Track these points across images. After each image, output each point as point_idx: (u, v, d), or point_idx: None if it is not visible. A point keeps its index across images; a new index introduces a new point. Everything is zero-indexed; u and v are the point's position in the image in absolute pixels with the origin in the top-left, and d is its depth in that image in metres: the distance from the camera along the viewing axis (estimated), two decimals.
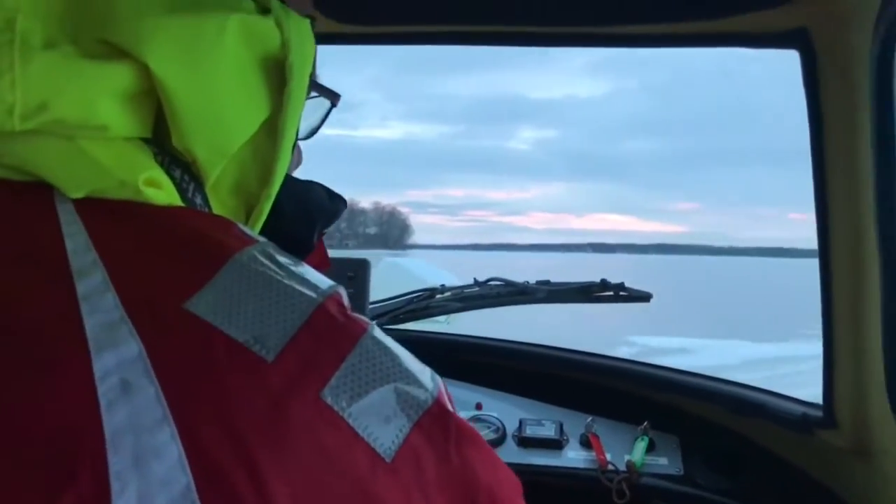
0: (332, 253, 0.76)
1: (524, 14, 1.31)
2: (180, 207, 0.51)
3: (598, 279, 1.79)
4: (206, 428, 0.38)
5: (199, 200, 0.54)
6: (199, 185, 0.55)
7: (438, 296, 1.85)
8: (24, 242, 0.45)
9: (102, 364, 0.39)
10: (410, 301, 1.86)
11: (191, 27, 0.50)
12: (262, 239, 0.50)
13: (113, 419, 0.37)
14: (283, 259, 0.48)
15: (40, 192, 0.47)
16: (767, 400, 1.49)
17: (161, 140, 0.52)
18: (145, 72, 0.48)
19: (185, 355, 0.40)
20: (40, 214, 0.46)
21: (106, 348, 0.39)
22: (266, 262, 0.47)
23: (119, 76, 0.48)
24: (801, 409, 1.40)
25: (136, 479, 0.36)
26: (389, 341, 0.47)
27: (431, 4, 1.30)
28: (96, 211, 0.47)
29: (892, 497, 1.22)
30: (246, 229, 0.51)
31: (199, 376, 0.40)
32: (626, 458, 1.53)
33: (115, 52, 0.48)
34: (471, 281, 1.90)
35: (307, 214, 0.66)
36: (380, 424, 0.42)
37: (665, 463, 1.55)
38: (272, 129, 0.57)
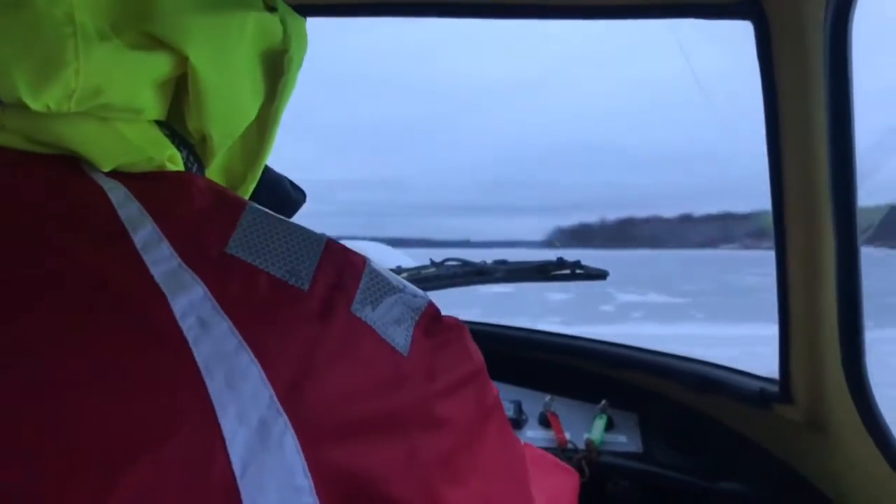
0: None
1: None
2: (193, 174, 0.58)
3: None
4: (272, 349, 0.45)
5: None
6: (201, 165, 0.62)
7: None
8: (71, 203, 0.50)
9: (179, 306, 0.44)
10: None
11: (220, 23, 0.56)
12: None
13: (201, 351, 0.43)
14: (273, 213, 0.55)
15: (68, 162, 0.53)
16: (725, 376, 1.50)
17: (170, 122, 0.58)
18: (181, 61, 0.54)
19: (239, 293, 0.47)
20: (78, 178, 0.52)
21: (177, 292, 0.45)
22: (268, 211, 0.54)
23: (160, 65, 0.53)
24: (759, 384, 1.41)
25: (232, 399, 0.42)
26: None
27: None
28: (124, 176, 0.53)
29: (847, 469, 1.23)
30: None
31: (254, 310, 0.46)
32: (586, 436, 1.52)
33: (157, 43, 0.52)
34: (426, 262, 1.87)
35: (279, 201, 0.74)
36: (394, 327, 0.51)
37: (624, 440, 1.55)
38: (261, 117, 0.64)
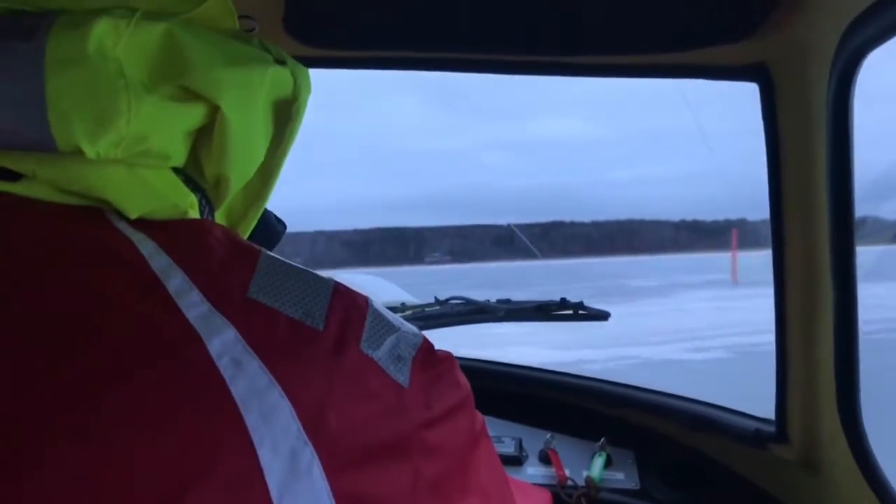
0: None
1: (489, 41, 1.34)
2: (207, 221, 0.62)
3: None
4: (297, 385, 0.48)
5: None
6: (212, 208, 0.66)
7: (399, 314, 1.86)
8: (103, 253, 0.53)
9: (215, 347, 0.48)
10: None
11: (246, 76, 0.61)
12: None
13: (238, 388, 0.46)
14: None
15: (96, 214, 0.56)
16: (721, 415, 1.55)
17: (184, 169, 0.62)
18: (212, 111, 0.58)
19: (263, 334, 0.50)
20: (107, 230, 0.55)
21: (212, 334, 0.48)
22: (276, 255, 0.58)
23: (195, 115, 0.58)
24: (755, 424, 1.46)
25: (268, 432, 0.46)
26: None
27: (397, 30, 1.32)
28: (147, 226, 0.56)
29: None
30: None
31: (278, 349, 0.50)
32: (585, 473, 1.56)
33: (193, 95, 0.57)
34: (430, 299, 1.92)
35: (267, 234, 0.80)
36: (395, 363, 0.55)
37: (622, 478, 1.58)
38: (266, 160, 0.68)
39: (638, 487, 1.56)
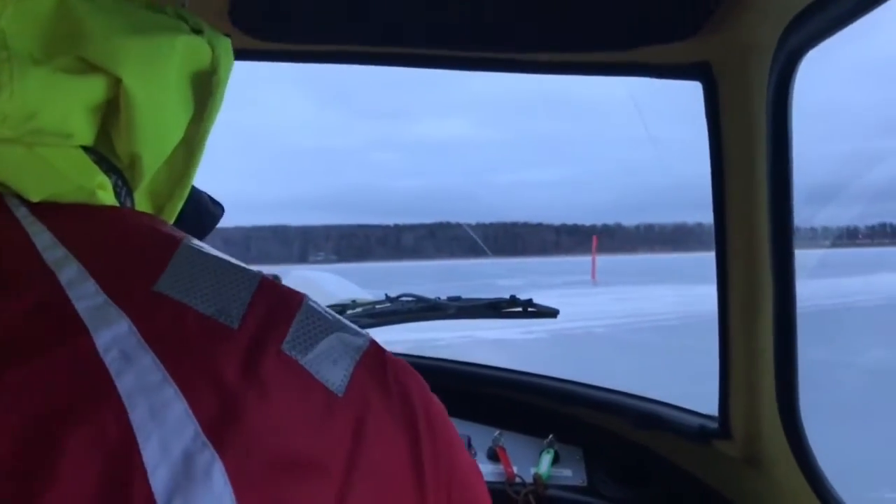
0: None
1: (436, 37, 1.33)
2: (123, 208, 0.58)
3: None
4: (199, 384, 0.45)
5: (129, 204, 0.62)
6: (129, 189, 0.62)
7: (349, 311, 1.85)
8: None
9: (102, 340, 0.45)
10: None
11: (150, 45, 0.56)
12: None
13: (124, 383, 0.43)
14: (209, 247, 0.55)
15: None
16: (667, 412, 1.56)
17: (97, 148, 0.58)
18: (114, 84, 0.54)
19: (165, 329, 0.47)
20: (4, 217, 0.51)
21: (101, 327, 0.45)
22: (204, 248, 0.54)
23: (94, 89, 0.53)
24: (699, 420, 1.47)
25: (155, 430, 0.42)
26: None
27: (346, 25, 1.31)
28: (51, 213, 0.52)
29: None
30: None
31: (181, 345, 0.46)
32: (533, 470, 1.57)
33: (90, 67, 0.53)
34: (382, 296, 1.91)
35: (199, 217, 0.76)
36: (330, 367, 0.50)
37: (570, 474, 1.59)
38: (188, 137, 0.64)
39: (585, 484, 1.57)
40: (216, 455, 0.43)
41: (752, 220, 1.20)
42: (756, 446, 1.32)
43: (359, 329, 0.55)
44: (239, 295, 0.50)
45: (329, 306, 1.91)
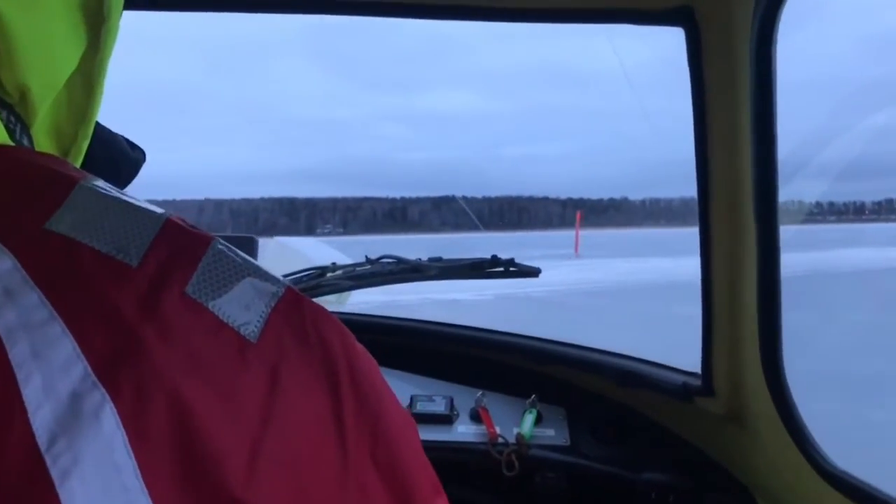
0: (218, 235, 0.81)
1: None
2: (17, 147, 0.55)
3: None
4: (90, 323, 0.42)
5: (25, 142, 0.58)
6: (24, 125, 0.58)
7: (329, 274, 1.81)
8: None
9: None
10: (300, 280, 1.82)
11: None
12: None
13: (3, 319, 0.41)
14: (116, 189, 0.52)
15: None
16: (650, 370, 1.55)
17: None
18: None
19: (56, 266, 0.44)
20: None
21: None
22: (107, 187, 0.51)
23: None
24: (682, 378, 1.46)
25: (37, 369, 0.40)
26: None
27: None
28: None
29: (763, 459, 1.29)
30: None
31: (73, 282, 0.44)
32: (515, 430, 1.55)
33: None
34: (362, 258, 1.87)
35: (114, 160, 0.73)
36: (242, 312, 0.47)
37: (552, 434, 1.58)
38: (85, 69, 0.60)
39: (568, 443, 1.56)
40: (107, 396, 0.40)
41: (735, 168, 1.17)
42: (739, 402, 1.31)
43: (276, 276, 0.52)
44: (141, 234, 0.47)
45: (310, 269, 1.88)
